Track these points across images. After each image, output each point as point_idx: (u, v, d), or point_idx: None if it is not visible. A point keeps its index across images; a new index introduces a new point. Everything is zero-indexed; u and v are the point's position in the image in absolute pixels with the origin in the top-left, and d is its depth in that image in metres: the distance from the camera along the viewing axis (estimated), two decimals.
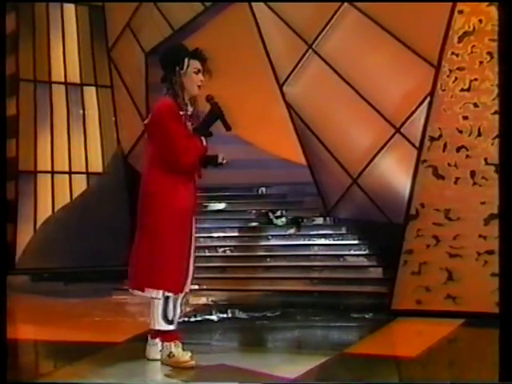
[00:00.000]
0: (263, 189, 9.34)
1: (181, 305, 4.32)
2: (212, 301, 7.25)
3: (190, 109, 4.26)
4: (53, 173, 10.02)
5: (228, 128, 4.34)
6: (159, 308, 4.13)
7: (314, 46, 7.99)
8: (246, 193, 9.36)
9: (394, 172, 7.50)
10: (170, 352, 4.14)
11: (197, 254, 8.26)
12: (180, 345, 4.17)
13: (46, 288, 8.36)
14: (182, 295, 4.29)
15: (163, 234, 4.09)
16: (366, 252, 7.77)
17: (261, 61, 8.31)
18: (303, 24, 8.03)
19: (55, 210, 9.95)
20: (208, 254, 8.43)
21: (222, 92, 9.38)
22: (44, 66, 10.11)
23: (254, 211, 8.85)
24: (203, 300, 7.35)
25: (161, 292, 4.13)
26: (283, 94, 8.29)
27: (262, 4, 8.31)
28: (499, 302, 4.09)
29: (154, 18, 9.41)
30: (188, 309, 6.82)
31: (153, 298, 4.14)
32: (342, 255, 7.86)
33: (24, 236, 9.78)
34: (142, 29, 9.69)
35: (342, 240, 8.09)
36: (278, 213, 8.64)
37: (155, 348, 4.27)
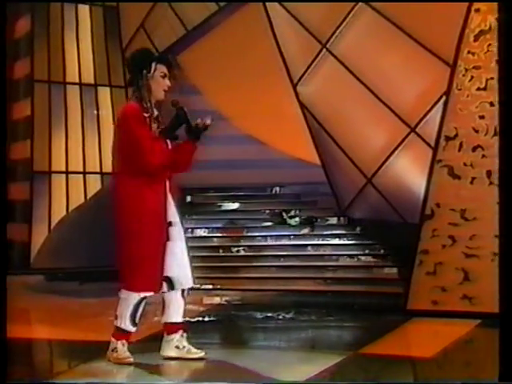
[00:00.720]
0: (277, 188, 9.31)
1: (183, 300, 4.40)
2: (226, 300, 7.24)
3: (156, 112, 4.31)
4: (67, 173, 10.05)
5: (191, 135, 4.33)
6: (130, 309, 4.27)
7: (327, 46, 7.95)
8: (260, 192, 9.35)
9: (409, 172, 7.45)
10: (115, 348, 4.30)
11: (211, 254, 8.40)
12: (126, 344, 4.32)
13: (61, 288, 8.38)
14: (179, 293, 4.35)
15: (131, 237, 4.20)
16: (381, 252, 7.72)
17: (274, 60, 8.29)
18: (317, 23, 8.00)
19: (69, 210, 9.98)
20: (222, 254, 8.42)
21: (236, 92, 9.42)
22: (58, 66, 10.15)
23: (267, 211, 8.83)
24: (217, 300, 7.34)
25: (132, 293, 4.25)
26: (297, 94, 8.26)
27: (275, 3, 8.29)
28: (499, 301, 4.04)
29: (168, 18, 9.42)
30: (202, 308, 6.82)
31: (122, 297, 4.29)
32: (356, 255, 7.82)
33: (39, 236, 9.81)
34: (155, 29, 9.70)
35: (356, 240, 8.05)
36: (292, 212, 8.61)
37: (170, 344, 4.39)
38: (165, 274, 4.26)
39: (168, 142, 4.28)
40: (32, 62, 10.01)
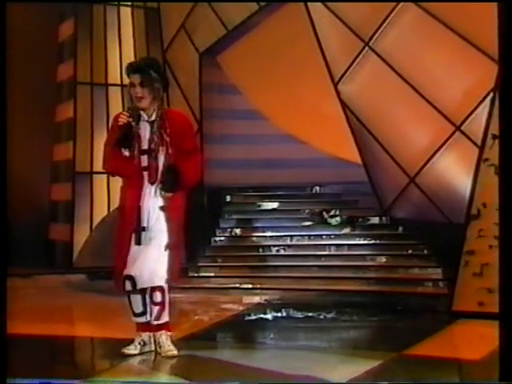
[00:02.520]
0: (317, 188, 9.22)
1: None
2: (266, 300, 7.19)
3: (151, 118, 4.45)
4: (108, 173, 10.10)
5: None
6: (127, 302, 4.55)
7: (370, 44, 7.83)
8: (300, 192, 9.27)
9: (454, 171, 7.28)
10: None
11: (250, 254, 8.36)
12: (143, 335, 4.51)
13: (102, 286, 8.41)
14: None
15: (114, 238, 4.58)
16: (424, 252, 7.57)
17: (315, 59, 8.19)
18: (359, 21, 7.88)
19: (111, 209, 10.04)
20: (261, 253, 8.37)
21: (276, 91, 9.35)
22: (101, 68, 10.24)
23: (307, 210, 8.74)
24: (257, 299, 7.29)
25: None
26: (338, 93, 8.15)
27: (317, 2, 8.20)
28: (499, 302, 3.90)
29: (209, 18, 9.41)
30: (241, 308, 6.79)
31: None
32: (399, 255, 7.68)
33: (81, 236, 9.91)
34: (196, 29, 9.70)
35: (398, 240, 7.91)
36: (332, 212, 8.51)
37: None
38: (127, 273, 4.44)
39: (123, 149, 4.44)
40: (75, 64, 10.12)
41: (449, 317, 5.89)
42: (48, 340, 5.27)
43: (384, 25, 7.72)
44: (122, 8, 10.48)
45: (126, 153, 4.42)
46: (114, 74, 10.27)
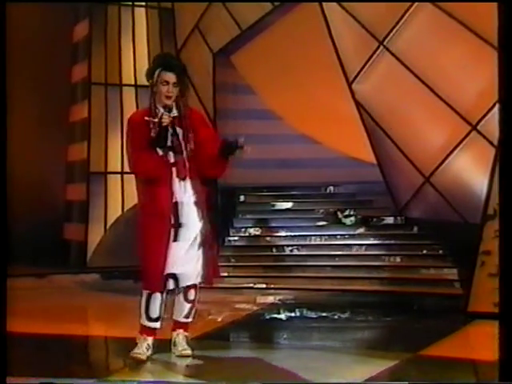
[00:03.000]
0: (331, 188, 9.18)
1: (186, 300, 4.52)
2: (279, 300, 7.17)
3: (173, 114, 4.42)
4: (122, 173, 10.12)
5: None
6: (143, 305, 4.45)
7: (385, 43, 7.78)
8: (314, 192, 9.23)
9: (470, 170, 7.22)
10: (136, 343, 4.45)
11: (264, 253, 8.34)
12: (148, 340, 4.44)
13: (116, 286, 8.46)
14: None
15: (141, 236, 4.45)
16: (440, 253, 7.51)
17: (329, 58, 8.15)
18: (374, 20, 7.82)
19: (125, 209, 10.06)
20: (275, 253, 8.35)
21: (290, 91, 9.31)
22: (115, 69, 10.25)
23: (322, 210, 8.70)
24: (270, 299, 7.28)
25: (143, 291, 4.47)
26: (352, 92, 8.11)
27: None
28: (499, 301, 3.86)
29: (222, 19, 9.40)
30: (255, 308, 6.77)
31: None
32: (414, 255, 7.63)
33: (95, 235, 9.92)
34: (210, 29, 9.70)
35: (413, 240, 7.86)
36: (347, 212, 8.47)
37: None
38: (170, 272, 4.37)
39: (158, 150, 4.38)
40: (89, 65, 10.13)
41: (464, 317, 5.86)
42: (62, 339, 5.28)
43: (399, 24, 7.65)
44: (136, 8, 10.49)
45: (161, 152, 4.39)
46: (128, 75, 10.28)
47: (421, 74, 7.52)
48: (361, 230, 8.25)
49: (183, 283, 4.43)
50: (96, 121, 10.08)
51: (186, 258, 4.38)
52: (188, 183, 4.42)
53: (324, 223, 8.55)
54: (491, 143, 6.66)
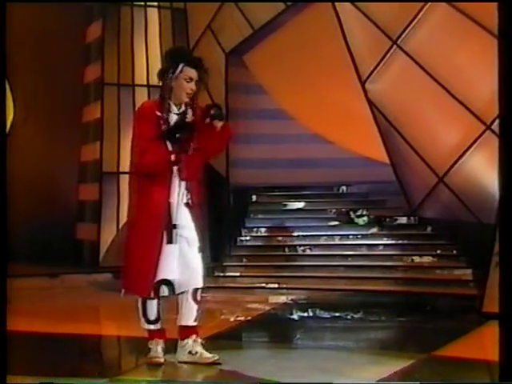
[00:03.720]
0: (344, 187, 9.14)
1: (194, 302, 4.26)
2: (292, 300, 7.13)
3: (180, 110, 4.22)
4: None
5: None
6: (140, 308, 4.27)
7: (398, 42, 7.73)
8: (327, 191, 9.19)
9: (484, 170, 7.14)
10: (149, 348, 4.29)
11: (276, 253, 8.31)
12: (160, 343, 4.28)
13: None
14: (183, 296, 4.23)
15: (129, 237, 4.23)
16: (454, 253, 7.45)
17: (343, 58, 8.11)
18: (387, 19, 7.77)
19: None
20: (287, 253, 8.32)
21: (303, 91, 9.27)
22: (127, 69, 10.26)
23: (334, 210, 8.67)
24: (283, 299, 7.25)
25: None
26: (365, 92, 8.06)
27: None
28: (499, 301, 3.81)
29: (235, 19, 9.38)
30: (267, 307, 6.75)
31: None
32: (428, 255, 7.57)
33: (107, 235, 9.93)
34: (222, 29, 9.69)
35: (427, 240, 7.80)
36: (360, 212, 8.42)
37: (183, 349, 4.27)
38: (164, 277, 4.16)
39: (168, 143, 4.16)
40: (102, 65, 10.15)
41: (479, 318, 5.80)
42: (74, 338, 5.28)
43: (413, 23, 7.60)
44: (148, 9, 10.50)
45: (170, 147, 4.15)
46: (141, 75, 10.29)
47: (434, 74, 7.46)
48: (374, 230, 8.21)
49: (179, 290, 4.19)
50: (109, 121, 10.08)
51: (181, 263, 4.15)
52: (187, 184, 4.20)
53: (336, 223, 8.51)
54: None
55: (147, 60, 10.36)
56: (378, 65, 7.94)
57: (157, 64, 10.40)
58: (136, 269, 4.16)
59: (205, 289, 4.31)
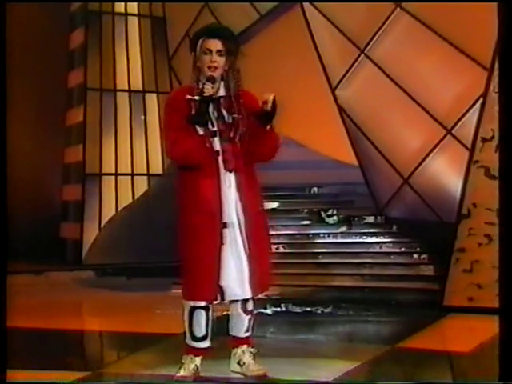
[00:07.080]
0: (315, 189, 9.20)
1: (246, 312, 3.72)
2: (266, 295, 7.16)
3: (220, 92, 3.62)
4: (116, 175, 10.12)
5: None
6: (186, 320, 3.60)
7: (366, 51, 7.86)
8: (299, 192, 9.25)
9: (446, 172, 7.29)
10: (182, 363, 3.66)
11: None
12: (196, 360, 3.63)
13: (110, 282, 8.44)
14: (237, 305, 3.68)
15: (183, 238, 3.56)
16: (417, 250, 7.56)
17: (314, 66, 8.21)
18: (355, 30, 7.89)
19: (119, 209, 10.04)
20: None
21: (277, 96, 9.29)
22: (109, 75, 10.23)
23: (306, 210, 8.73)
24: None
25: (185, 302, 3.59)
26: (335, 98, 8.17)
27: (315, 10, 8.21)
28: (499, 301, 3.88)
29: None
30: None
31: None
32: (393, 253, 7.67)
33: (90, 234, 9.90)
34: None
35: (392, 238, 7.90)
36: (330, 211, 8.50)
37: (234, 358, 3.77)
38: (224, 282, 3.54)
39: (198, 128, 3.53)
40: (85, 71, 10.11)
41: (440, 311, 5.89)
42: (58, 333, 5.27)
43: (379, 33, 7.73)
44: (129, 17, 10.48)
45: (201, 132, 3.52)
46: (122, 80, 10.27)
47: (399, 81, 7.59)
48: (343, 229, 8.28)
49: (228, 297, 3.57)
50: (91, 124, 10.05)
51: (232, 267, 3.52)
52: (236, 176, 3.57)
53: (308, 222, 8.57)
54: (465, 146, 6.72)
55: (128, 66, 10.34)
56: (346, 72, 8.05)
57: (137, 70, 10.41)
58: (197, 272, 3.51)
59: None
